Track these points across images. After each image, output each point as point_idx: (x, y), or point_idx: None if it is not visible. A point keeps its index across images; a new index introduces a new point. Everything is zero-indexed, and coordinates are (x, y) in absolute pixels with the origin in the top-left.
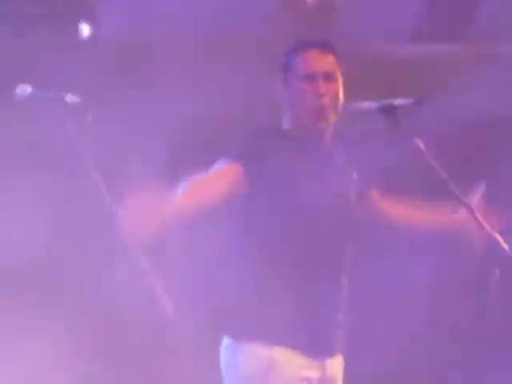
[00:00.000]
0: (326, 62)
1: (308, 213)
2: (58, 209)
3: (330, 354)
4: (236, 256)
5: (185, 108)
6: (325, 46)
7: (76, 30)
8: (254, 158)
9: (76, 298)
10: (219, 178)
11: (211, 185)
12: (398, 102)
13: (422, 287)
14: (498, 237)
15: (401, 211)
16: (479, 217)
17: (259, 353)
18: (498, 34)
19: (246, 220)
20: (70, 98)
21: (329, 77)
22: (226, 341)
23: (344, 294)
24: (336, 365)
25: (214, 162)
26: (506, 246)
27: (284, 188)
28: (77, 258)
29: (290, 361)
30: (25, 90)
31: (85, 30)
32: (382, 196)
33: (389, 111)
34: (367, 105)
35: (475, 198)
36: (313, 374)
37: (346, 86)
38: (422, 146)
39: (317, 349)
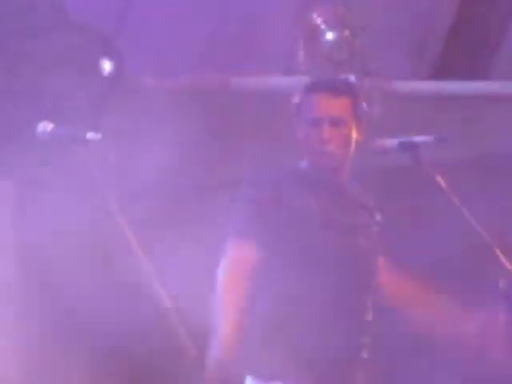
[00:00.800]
0: (334, 107)
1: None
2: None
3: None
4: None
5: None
6: (337, 89)
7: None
8: (267, 211)
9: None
10: (242, 280)
11: (240, 292)
12: (419, 139)
13: None
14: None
15: (401, 294)
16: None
17: None
18: None
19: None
20: (90, 135)
21: (336, 122)
22: (248, 380)
23: (368, 331)
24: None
25: None
26: None
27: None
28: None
29: None
30: (46, 127)
31: (106, 66)
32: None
33: (410, 149)
34: (389, 142)
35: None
36: None
37: (371, 123)
38: (443, 184)
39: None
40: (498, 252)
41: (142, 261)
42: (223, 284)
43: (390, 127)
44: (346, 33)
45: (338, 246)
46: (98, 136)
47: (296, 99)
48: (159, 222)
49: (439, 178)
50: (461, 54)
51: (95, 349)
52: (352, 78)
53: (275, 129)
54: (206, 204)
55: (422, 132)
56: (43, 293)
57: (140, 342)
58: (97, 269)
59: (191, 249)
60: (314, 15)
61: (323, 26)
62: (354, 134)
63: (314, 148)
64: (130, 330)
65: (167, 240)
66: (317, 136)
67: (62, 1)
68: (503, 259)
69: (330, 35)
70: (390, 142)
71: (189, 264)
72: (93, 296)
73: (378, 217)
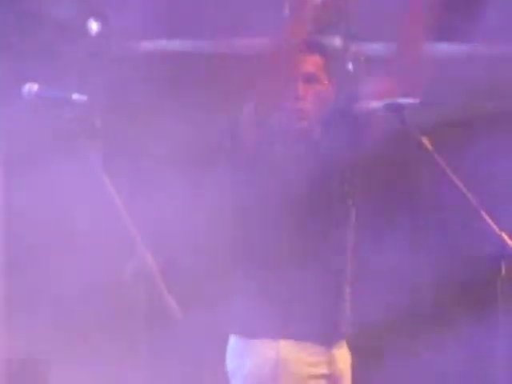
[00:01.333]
0: (308, 64)
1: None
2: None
3: (337, 339)
4: (235, 254)
5: None
6: (309, 46)
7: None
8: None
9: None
10: None
11: None
12: (404, 101)
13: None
14: (505, 236)
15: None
16: None
17: (266, 350)
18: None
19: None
20: (77, 97)
21: (310, 79)
22: (232, 339)
23: (346, 277)
24: (343, 355)
25: None
26: None
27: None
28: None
29: (297, 358)
30: (31, 88)
31: (94, 26)
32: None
33: (395, 110)
34: (375, 104)
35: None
36: (321, 370)
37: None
38: (428, 144)
39: (323, 335)
40: (484, 214)
41: (127, 221)
42: None
43: None
44: None
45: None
46: (84, 98)
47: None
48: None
49: (425, 140)
50: (453, 16)
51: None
52: (337, 40)
53: None
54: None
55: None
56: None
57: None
58: (84, 233)
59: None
60: None
61: None
62: (327, 93)
63: (288, 106)
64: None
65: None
66: (290, 94)
67: None
68: (490, 221)
69: None
70: (376, 104)
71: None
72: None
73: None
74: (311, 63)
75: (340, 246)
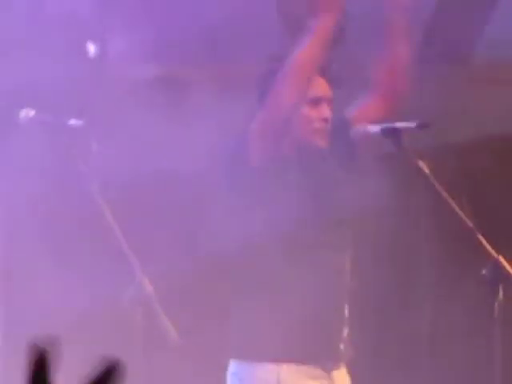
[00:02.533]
0: (328, 87)
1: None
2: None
3: (337, 362)
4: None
5: None
6: (325, 70)
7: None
8: None
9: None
10: None
11: None
12: (401, 125)
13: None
14: (502, 259)
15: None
16: None
17: (267, 375)
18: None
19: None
20: (73, 122)
21: (330, 102)
22: (232, 364)
23: (345, 301)
24: (343, 378)
25: None
26: (509, 268)
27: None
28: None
29: (298, 381)
30: (28, 114)
31: (91, 49)
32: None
33: (392, 134)
34: (372, 128)
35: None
36: None
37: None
38: (425, 168)
39: (323, 358)
40: (481, 238)
41: (124, 247)
42: None
43: None
44: None
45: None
46: (81, 123)
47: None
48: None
49: (422, 164)
50: (442, 40)
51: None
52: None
53: None
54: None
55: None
56: None
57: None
58: (86, 255)
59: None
60: (296, 4)
61: (305, 14)
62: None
63: (313, 127)
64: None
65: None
66: (318, 115)
67: None
68: (487, 245)
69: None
70: (373, 128)
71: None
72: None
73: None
74: (329, 87)
75: (339, 270)
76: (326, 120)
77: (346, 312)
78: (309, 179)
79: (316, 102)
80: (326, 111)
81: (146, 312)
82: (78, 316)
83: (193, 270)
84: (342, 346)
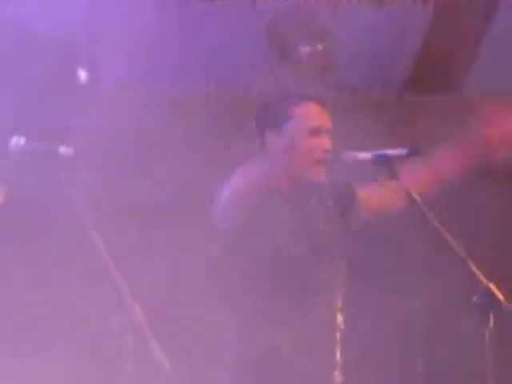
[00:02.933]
0: (328, 118)
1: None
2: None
3: None
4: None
5: None
6: (324, 100)
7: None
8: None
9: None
10: None
11: None
12: (392, 152)
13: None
14: (493, 286)
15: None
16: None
17: None
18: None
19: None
20: (63, 150)
21: (330, 132)
22: None
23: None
24: None
25: None
26: (499, 296)
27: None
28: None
29: None
30: (18, 142)
31: (83, 76)
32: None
33: (384, 162)
34: (363, 155)
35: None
36: None
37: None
38: (417, 197)
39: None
40: (471, 266)
41: (116, 277)
42: None
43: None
44: (319, 46)
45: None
46: (71, 151)
47: (273, 109)
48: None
49: (414, 193)
50: (433, 67)
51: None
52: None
53: None
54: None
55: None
56: None
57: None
58: (78, 285)
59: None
60: (286, 30)
61: (296, 40)
62: None
63: (313, 158)
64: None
65: (139, 260)
66: (318, 145)
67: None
68: (477, 273)
69: (303, 49)
70: (364, 155)
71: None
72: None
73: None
74: (328, 117)
75: (329, 321)
76: (326, 151)
77: (338, 336)
78: (300, 215)
79: (315, 132)
80: (326, 142)
81: (136, 339)
82: (67, 342)
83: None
84: (336, 371)
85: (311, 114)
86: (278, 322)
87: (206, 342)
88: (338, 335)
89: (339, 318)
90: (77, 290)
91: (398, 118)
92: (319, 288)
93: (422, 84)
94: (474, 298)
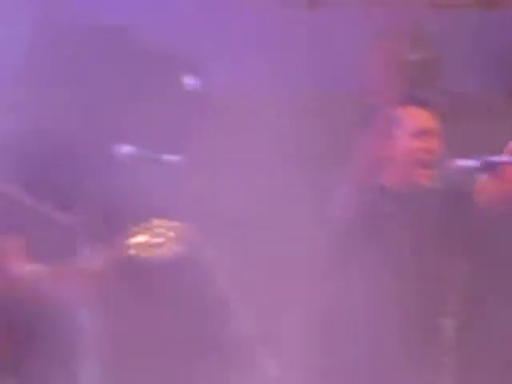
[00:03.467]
0: (433, 120)
1: None
2: None
3: None
4: None
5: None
6: (432, 106)
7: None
8: None
9: None
10: None
11: None
12: (500, 158)
13: None
14: None
15: None
16: None
17: None
18: None
19: None
20: (168, 157)
21: (436, 135)
22: None
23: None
24: None
25: None
26: None
27: None
28: None
29: None
30: (125, 150)
31: (190, 82)
32: None
33: (491, 168)
34: (470, 162)
35: None
36: None
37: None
38: None
39: None
40: None
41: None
42: None
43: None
44: (427, 54)
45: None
46: (176, 158)
47: (388, 112)
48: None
49: None
50: None
51: None
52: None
53: None
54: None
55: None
56: None
57: None
58: None
59: None
60: (393, 40)
61: (404, 49)
62: None
63: (416, 158)
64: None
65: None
66: (422, 146)
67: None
68: None
69: (411, 57)
70: (471, 162)
71: None
72: None
73: None
74: (433, 119)
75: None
76: (431, 152)
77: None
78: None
79: (420, 133)
80: (431, 143)
81: None
82: None
83: None
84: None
85: (419, 115)
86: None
87: None
88: None
89: None
90: None
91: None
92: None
93: None
94: None
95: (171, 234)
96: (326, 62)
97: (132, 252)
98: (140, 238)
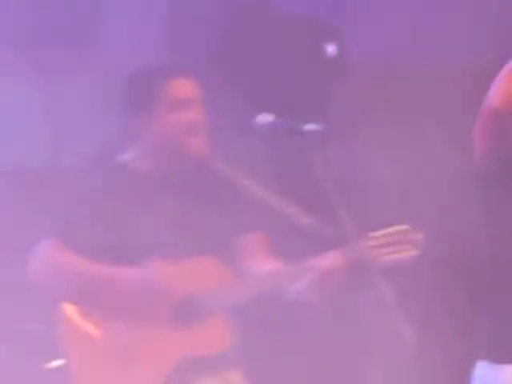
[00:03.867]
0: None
1: None
2: None
3: None
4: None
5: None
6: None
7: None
8: None
9: None
10: None
11: None
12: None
13: None
14: None
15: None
16: None
17: None
18: None
19: None
20: (309, 127)
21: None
22: (480, 365)
23: None
24: None
25: None
26: None
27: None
28: None
29: None
30: (266, 119)
31: (331, 50)
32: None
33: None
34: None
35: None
36: None
37: None
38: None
39: None
40: None
41: None
42: None
43: None
44: None
45: None
46: (317, 127)
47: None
48: None
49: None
50: None
51: None
52: None
53: None
54: None
55: None
56: None
57: None
58: None
59: None
60: None
61: None
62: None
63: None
64: None
65: None
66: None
67: None
68: None
69: None
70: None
71: None
72: None
73: None
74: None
75: None
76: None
77: None
78: None
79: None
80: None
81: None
82: None
83: None
84: None
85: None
86: None
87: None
88: None
89: None
90: None
91: None
92: None
93: None
94: None
95: (409, 237)
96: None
97: (370, 255)
98: (377, 242)
